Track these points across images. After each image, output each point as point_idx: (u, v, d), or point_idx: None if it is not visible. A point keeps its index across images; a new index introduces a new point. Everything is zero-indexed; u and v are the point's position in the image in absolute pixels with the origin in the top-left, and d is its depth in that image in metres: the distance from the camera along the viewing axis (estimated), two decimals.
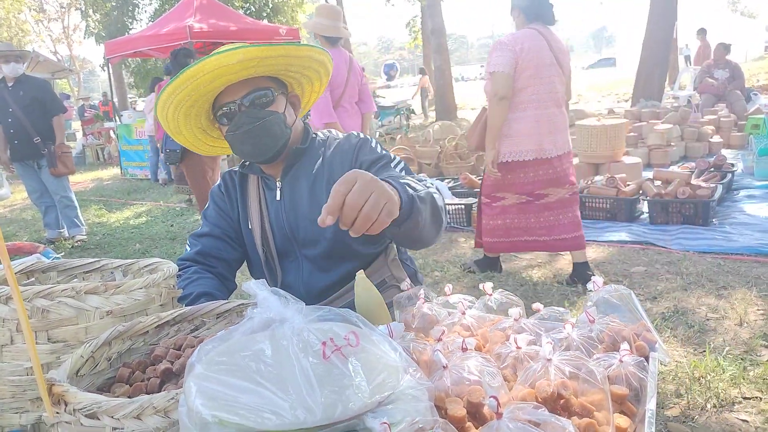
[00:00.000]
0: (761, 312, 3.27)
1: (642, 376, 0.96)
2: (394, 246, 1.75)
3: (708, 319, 3.24)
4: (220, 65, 1.40)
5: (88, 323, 1.19)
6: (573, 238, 3.73)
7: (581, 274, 3.77)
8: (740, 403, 2.48)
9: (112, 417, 0.83)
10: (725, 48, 9.85)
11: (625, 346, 0.93)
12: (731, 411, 2.41)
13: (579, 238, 3.74)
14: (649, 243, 4.59)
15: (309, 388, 0.67)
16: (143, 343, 1.22)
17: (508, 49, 3.41)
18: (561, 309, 1.18)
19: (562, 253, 4.40)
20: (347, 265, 1.64)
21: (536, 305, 1.20)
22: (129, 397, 1.05)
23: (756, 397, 2.52)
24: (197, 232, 1.76)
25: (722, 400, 2.47)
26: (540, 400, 0.85)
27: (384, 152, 1.64)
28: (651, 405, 0.90)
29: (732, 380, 2.58)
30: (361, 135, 1.69)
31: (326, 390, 0.68)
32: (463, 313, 1.15)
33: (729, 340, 2.99)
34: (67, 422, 0.86)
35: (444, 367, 0.87)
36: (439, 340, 1.07)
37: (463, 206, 5.42)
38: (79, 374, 1.05)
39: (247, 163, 1.73)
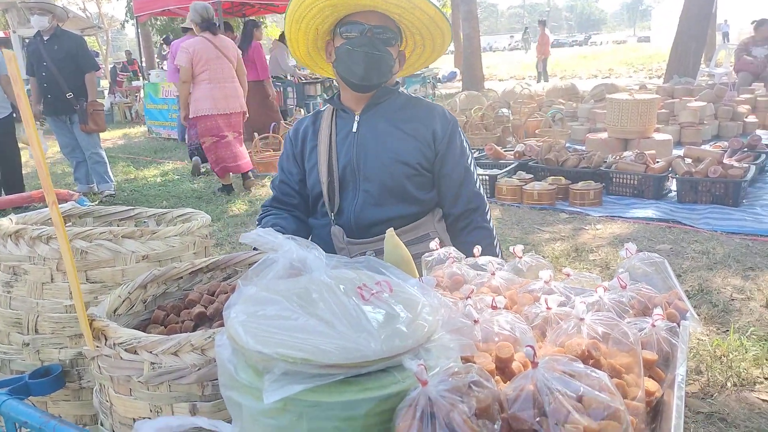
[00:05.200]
0: None
1: (674, 341, 0.96)
2: (441, 210, 1.89)
3: (733, 300, 3.20)
4: None
5: (125, 266, 1.22)
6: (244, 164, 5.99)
7: (229, 188, 6.05)
8: (762, 383, 2.46)
9: (150, 352, 0.86)
10: (766, 24, 9.45)
11: (658, 311, 0.92)
12: (752, 391, 2.40)
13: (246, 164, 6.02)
14: (676, 221, 4.52)
15: (365, 322, 0.69)
16: (177, 288, 1.25)
17: (186, 51, 5.49)
18: (592, 275, 1.17)
19: (585, 227, 4.38)
20: (398, 207, 1.78)
21: (566, 270, 1.20)
22: None
23: None
24: (274, 180, 1.98)
25: (743, 379, 2.45)
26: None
27: (466, 146, 1.87)
28: (681, 371, 0.90)
29: (755, 360, 2.56)
30: (453, 117, 1.88)
31: (378, 326, 0.69)
32: (493, 274, 1.15)
33: (753, 321, 2.95)
34: (107, 355, 0.89)
35: (474, 321, 0.87)
36: (468, 297, 1.08)
37: (487, 177, 5.38)
38: (116, 313, 1.08)
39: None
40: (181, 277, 1.25)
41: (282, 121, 7.97)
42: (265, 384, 0.62)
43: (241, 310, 0.74)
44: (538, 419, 0.57)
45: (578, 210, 4.88)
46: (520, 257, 1.22)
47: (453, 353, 0.71)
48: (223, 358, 0.71)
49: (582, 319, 0.84)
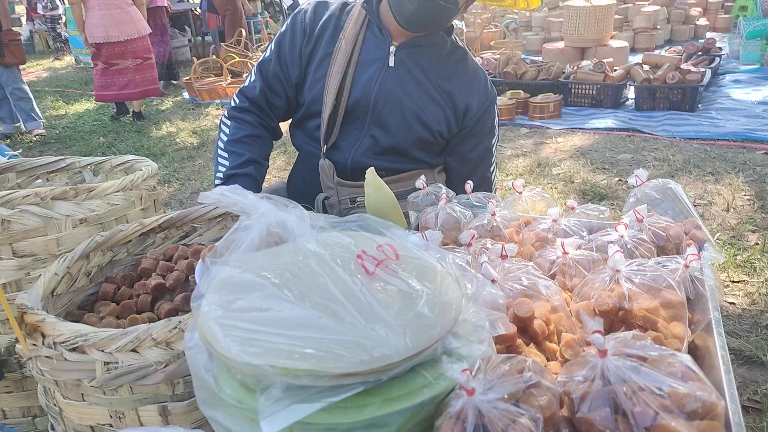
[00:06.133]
0: (748, 198, 3.26)
1: (701, 278, 0.86)
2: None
3: (696, 206, 3.22)
4: None
5: (60, 233, 1.02)
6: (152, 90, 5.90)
7: (139, 115, 5.95)
8: (728, 286, 2.50)
9: (102, 351, 0.69)
10: None
11: (691, 250, 0.81)
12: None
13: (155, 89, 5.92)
14: (635, 130, 4.49)
15: (377, 307, 0.54)
16: (126, 254, 1.07)
17: None
18: (600, 207, 1.06)
19: (546, 141, 4.32)
20: (400, 163, 1.54)
21: (570, 202, 1.07)
22: (117, 317, 0.92)
23: (743, 281, 2.55)
24: (263, 65, 1.55)
25: None
26: (598, 312, 0.75)
27: (496, 124, 1.62)
28: (717, 314, 0.81)
29: (720, 265, 2.59)
30: (493, 90, 1.61)
31: (395, 312, 0.54)
32: (494, 215, 1.01)
33: (717, 227, 2.99)
34: (47, 357, 0.72)
35: (492, 281, 0.74)
36: (469, 245, 0.94)
37: None
38: (54, 293, 0.90)
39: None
40: (130, 241, 1.06)
41: (223, 44, 7.40)
42: (262, 408, 0.47)
43: (214, 301, 0.58)
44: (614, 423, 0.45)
45: (538, 124, 4.79)
46: (521, 192, 1.09)
47: (485, 334, 0.58)
48: (197, 366, 0.55)
49: (618, 271, 0.72)
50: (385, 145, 1.50)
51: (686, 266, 0.81)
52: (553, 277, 0.85)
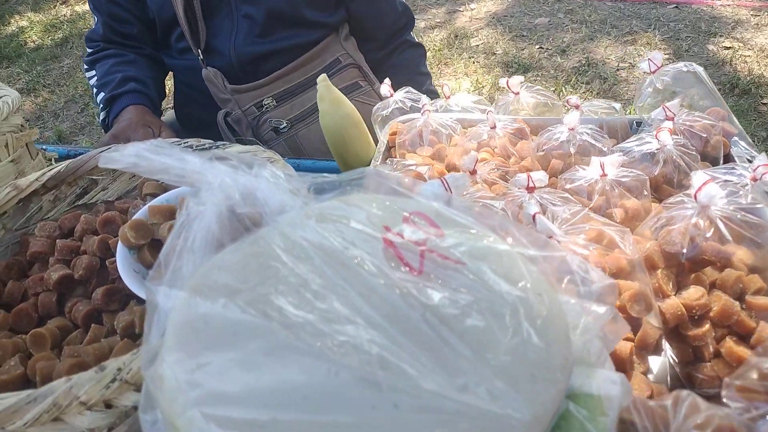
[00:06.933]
0: (666, 56, 3.24)
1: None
2: (347, 24, 1.36)
3: (619, 70, 3.16)
4: None
5: None
6: None
7: None
8: None
9: (3, 430, 0.45)
10: None
11: (762, 159, 0.65)
12: None
13: None
14: None
15: (456, 341, 0.33)
16: (2, 230, 0.77)
17: None
18: (615, 104, 0.87)
19: (459, 8, 4.04)
20: (291, 34, 1.27)
21: (573, 99, 0.88)
22: (11, 330, 0.65)
23: None
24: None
25: None
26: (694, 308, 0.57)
27: None
28: None
29: None
30: None
31: (490, 349, 0.34)
32: (494, 127, 0.80)
33: None
34: None
35: (549, 237, 0.55)
36: (473, 172, 0.74)
37: None
38: None
39: None
40: (5, 213, 0.76)
41: None
42: None
43: (180, 368, 0.35)
44: None
45: None
46: (517, 93, 0.87)
47: (598, 346, 0.39)
48: None
49: (707, 206, 0.54)
50: (264, 19, 1.24)
51: (754, 179, 0.65)
52: (598, 209, 0.67)
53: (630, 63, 3.20)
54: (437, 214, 0.47)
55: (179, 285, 0.41)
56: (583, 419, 0.34)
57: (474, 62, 3.39)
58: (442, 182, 0.56)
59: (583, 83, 3.06)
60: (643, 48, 3.31)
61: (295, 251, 0.42)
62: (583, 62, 3.24)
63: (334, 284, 0.39)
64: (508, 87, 0.86)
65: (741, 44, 3.25)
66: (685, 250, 0.52)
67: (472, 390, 0.33)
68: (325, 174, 0.51)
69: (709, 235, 0.52)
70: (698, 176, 0.54)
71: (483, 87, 3.06)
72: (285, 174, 0.51)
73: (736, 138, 0.83)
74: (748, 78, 2.93)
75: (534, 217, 0.54)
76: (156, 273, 0.41)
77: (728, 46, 3.25)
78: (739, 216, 0.53)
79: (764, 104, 2.78)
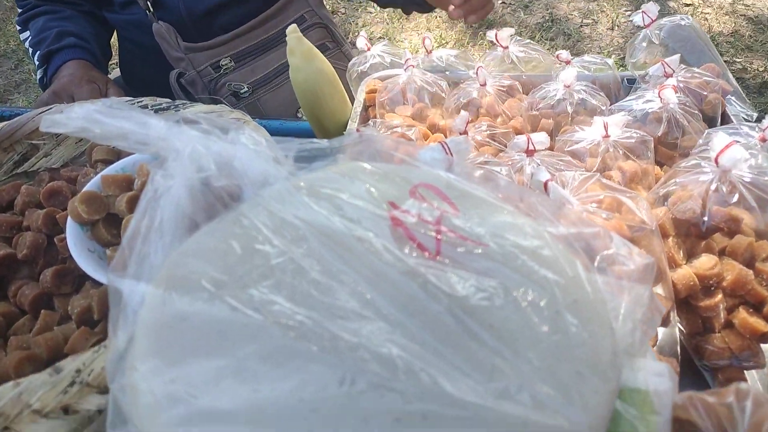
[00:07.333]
0: (629, 13, 3.22)
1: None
2: None
3: (582, 26, 3.13)
4: None
5: None
6: None
7: None
8: None
9: None
10: None
11: None
12: None
13: None
14: None
15: (494, 342, 0.28)
16: None
17: None
18: (607, 60, 0.82)
19: None
20: None
21: (564, 54, 0.82)
22: None
23: None
24: None
25: None
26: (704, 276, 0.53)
27: None
28: None
29: None
30: None
31: (522, 343, 0.29)
32: (484, 84, 0.74)
33: (604, 46, 2.94)
34: None
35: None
36: (464, 133, 0.68)
37: None
38: None
39: None
40: None
41: None
42: None
43: (158, 380, 0.29)
44: None
45: None
46: (506, 47, 0.81)
47: (638, 333, 0.35)
48: None
49: (728, 170, 0.51)
50: None
51: (763, 139, 0.62)
52: (602, 170, 0.62)
53: (593, 20, 3.17)
54: (448, 185, 0.41)
55: (148, 276, 0.34)
56: (632, 419, 0.30)
57: (437, 17, 3.28)
58: (443, 146, 0.50)
59: (547, 39, 3.01)
60: (606, 4, 3.28)
61: (286, 232, 0.36)
62: (547, 18, 3.19)
63: (338, 272, 0.33)
64: (497, 40, 0.79)
65: (701, 1, 3.25)
66: (706, 218, 0.48)
67: (514, 396, 0.28)
68: (313, 140, 0.44)
69: (734, 200, 0.48)
70: (720, 138, 0.50)
71: (447, 43, 2.97)
72: (266, 140, 0.44)
73: (729, 96, 0.80)
74: (708, 35, 2.95)
75: (546, 184, 0.49)
76: (119, 261, 0.34)
77: (688, 2, 3.25)
78: (763, 179, 0.49)
79: (725, 61, 2.80)
